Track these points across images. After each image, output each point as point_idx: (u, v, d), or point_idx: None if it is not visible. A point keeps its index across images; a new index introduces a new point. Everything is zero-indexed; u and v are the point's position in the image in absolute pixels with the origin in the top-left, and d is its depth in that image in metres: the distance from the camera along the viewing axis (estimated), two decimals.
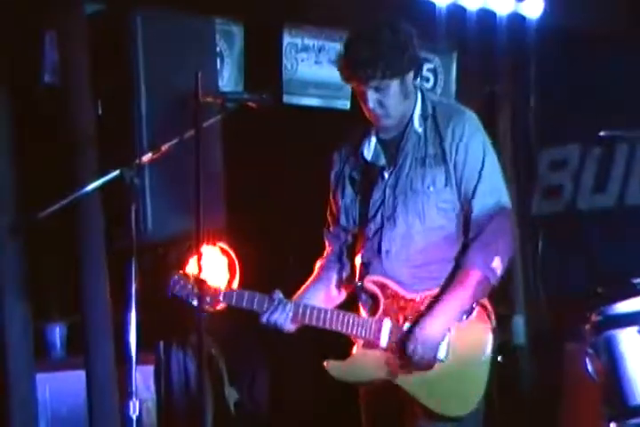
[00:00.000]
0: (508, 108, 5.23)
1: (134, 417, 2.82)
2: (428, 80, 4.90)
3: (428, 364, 2.83)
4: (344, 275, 3.00)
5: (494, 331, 2.88)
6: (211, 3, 3.89)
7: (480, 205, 2.87)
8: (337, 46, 4.68)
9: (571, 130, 4.98)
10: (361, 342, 2.88)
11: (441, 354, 2.83)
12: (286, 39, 4.45)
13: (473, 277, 2.83)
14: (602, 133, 3.85)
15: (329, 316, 2.86)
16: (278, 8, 4.34)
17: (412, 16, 4.43)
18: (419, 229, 2.88)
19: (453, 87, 4.95)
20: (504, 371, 5.01)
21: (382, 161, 2.94)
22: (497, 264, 2.84)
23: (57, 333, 4.09)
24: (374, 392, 2.93)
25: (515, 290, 5.21)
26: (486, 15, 4.60)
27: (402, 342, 2.84)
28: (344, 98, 4.71)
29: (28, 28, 3.76)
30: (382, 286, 2.88)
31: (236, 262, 3.78)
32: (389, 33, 2.84)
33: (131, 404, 2.82)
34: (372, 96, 2.86)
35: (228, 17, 4.25)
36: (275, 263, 3.26)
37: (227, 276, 3.74)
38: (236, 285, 3.70)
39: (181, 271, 2.91)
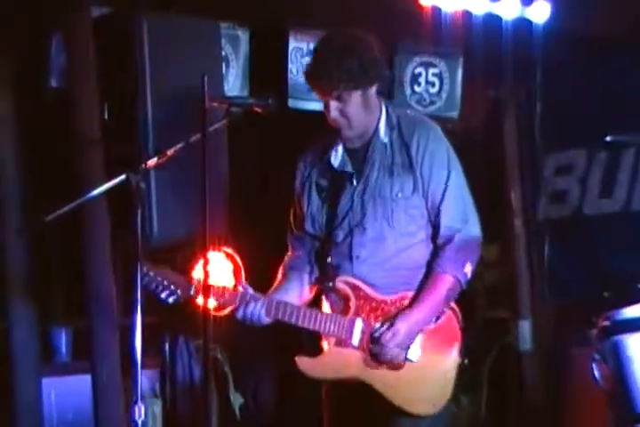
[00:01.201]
0: (513, 112, 5.22)
1: (140, 422, 2.82)
2: (433, 85, 4.90)
3: (399, 364, 2.91)
4: (313, 277, 3.05)
5: (462, 334, 2.97)
6: (216, 7, 3.90)
7: (448, 213, 2.95)
8: None
9: (577, 135, 4.97)
10: (332, 340, 2.94)
11: (411, 355, 2.92)
12: (292, 44, 4.46)
13: (445, 282, 2.93)
14: (608, 138, 3.85)
15: (302, 313, 2.92)
16: (284, 12, 4.34)
17: (418, 21, 4.45)
18: (388, 234, 2.95)
19: (459, 92, 4.95)
20: (510, 376, 5.02)
21: (349, 169, 3.01)
22: (468, 269, 2.95)
23: (62, 337, 4.09)
24: (341, 389, 2.97)
25: (521, 295, 5.20)
26: (492, 20, 4.60)
27: (373, 342, 2.92)
28: None
29: (34, 32, 3.78)
30: (354, 287, 2.95)
31: (242, 267, 3.78)
32: (356, 45, 2.91)
33: (136, 408, 2.82)
34: (333, 106, 2.92)
35: (234, 21, 4.26)
36: (277, 268, 3.26)
37: (232, 280, 3.74)
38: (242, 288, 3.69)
39: (149, 265, 2.89)
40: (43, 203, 3.20)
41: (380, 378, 2.91)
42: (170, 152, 2.95)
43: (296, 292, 3.04)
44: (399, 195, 2.95)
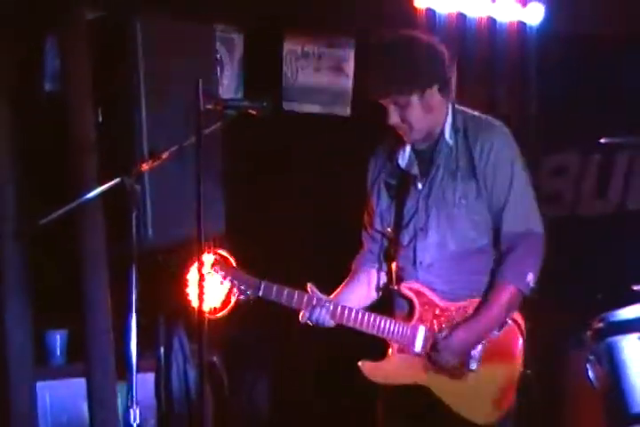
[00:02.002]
0: (507, 115, 5.22)
1: (135, 425, 2.82)
2: None
3: (460, 372, 2.93)
4: (382, 276, 3.08)
5: (524, 345, 2.98)
6: (211, 10, 3.90)
7: (511, 220, 2.94)
8: (337, 53, 4.72)
9: (571, 137, 4.97)
10: (396, 346, 2.97)
11: (472, 364, 2.93)
12: (286, 46, 4.46)
13: (507, 292, 2.93)
14: (602, 141, 3.86)
15: (366, 319, 2.96)
16: (278, 15, 4.34)
17: (412, 23, 4.45)
18: (451, 240, 2.95)
19: (453, 94, 4.94)
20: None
21: (415, 170, 3.01)
22: (530, 278, 2.96)
23: (57, 340, 4.08)
24: (401, 394, 3.00)
25: None
26: (487, 22, 4.60)
27: (433, 349, 2.93)
28: (344, 104, 4.72)
29: (29, 36, 3.77)
30: (418, 293, 2.97)
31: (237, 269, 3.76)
32: (408, 48, 2.91)
33: (131, 412, 2.81)
34: (392, 111, 2.93)
35: (228, 24, 4.26)
36: (275, 270, 3.26)
37: (227, 284, 3.73)
38: (236, 291, 3.69)
39: (221, 265, 2.99)
40: (38, 206, 3.19)
41: (440, 385, 2.92)
42: (164, 155, 2.95)
43: (362, 292, 3.08)
44: (462, 200, 2.94)
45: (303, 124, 4.53)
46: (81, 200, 2.98)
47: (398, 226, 3.00)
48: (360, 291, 3.08)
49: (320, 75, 4.63)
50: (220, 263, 2.99)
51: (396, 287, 2.99)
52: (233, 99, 4.02)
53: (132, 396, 2.82)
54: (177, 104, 3.29)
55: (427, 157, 3.00)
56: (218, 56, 4.00)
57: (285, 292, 2.96)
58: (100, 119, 3.46)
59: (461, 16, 4.55)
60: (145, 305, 2.94)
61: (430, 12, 4.51)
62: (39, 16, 3.70)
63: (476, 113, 3.09)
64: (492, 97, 5.17)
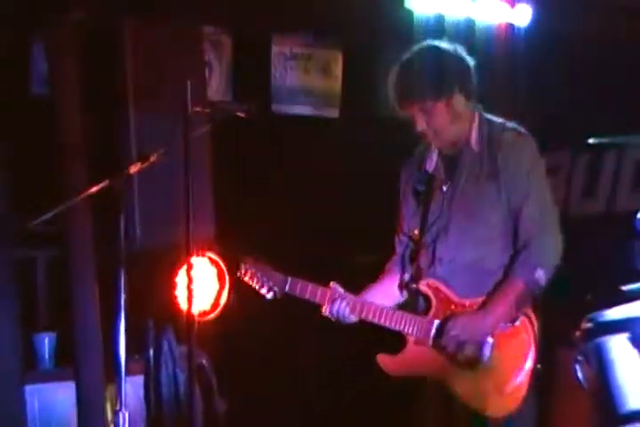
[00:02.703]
0: (496, 115, 5.23)
1: None
2: None
3: (471, 365, 3.01)
4: (405, 278, 3.17)
5: (536, 340, 3.05)
6: (199, 13, 3.89)
7: (526, 222, 3.04)
8: (325, 55, 4.72)
9: (560, 137, 4.98)
10: (412, 339, 3.06)
11: (484, 357, 3.01)
12: (274, 48, 4.45)
13: (514, 287, 3.01)
14: (591, 141, 3.86)
15: (384, 313, 3.05)
16: (266, 18, 4.34)
17: (399, 25, 4.46)
18: (469, 239, 3.06)
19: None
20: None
21: (442, 174, 3.13)
22: (540, 275, 3.03)
23: (46, 343, 4.06)
24: (428, 387, 3.11)
25: None
26: (473, 23, 4.61)
27: (440, 335, 3.03)
28: (333, 106, 4.72)
29: (15, 39, 3.75)
30: (435, 290, 3.07)
31: (226, 272, 3.77)
32: (434, 56, 3.04)
33: (120, 415, 2.81)
34: (419, 119, 3.04)
35: (217, 27, 4.25)
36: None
37: (216, 286, 3.74)
38: (225, 295, 3.69)
39: (250, 261, 3.06)
40: (26, 209, 3.18)
41: (452, 377, 3.01)
42: (153, 158, 2.94)
43: (387, 292, 3.17)
44: (484, 203, 3.04)
45: (292, 126, 4.53)
46: (69, 203, 2.97)
47: (423, 228, 3.13)
48: (384, 291, 3.18)
49: (308, 76, 4.63)
50: (251, 261, 3.07)
51: (414, 285, 3.10)
52: (221, 101, 4.02)
53: (121, 399, 2.81)
54: (165, 107, 3.28)
55: (453, 162, 3.12)
56: (206, 58, 4.00)
57: (309, 287, 3.05)
58: (89, 122, 3.46)
59: (449, 17, 4.55)
60: (134, 308, 2.93)
61: (416, 14, 4.50)
62: (26, 19, 3.68)
63: (500, 120, 3.20)
64: (482, 98, 5.18)
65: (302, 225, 4.50)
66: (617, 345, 3.22)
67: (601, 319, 3.30)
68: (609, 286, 3.57)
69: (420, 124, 3.04)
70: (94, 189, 2.91)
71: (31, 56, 3.80)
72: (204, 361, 3.94)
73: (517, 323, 3.03)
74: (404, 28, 4.37)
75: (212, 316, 3.63)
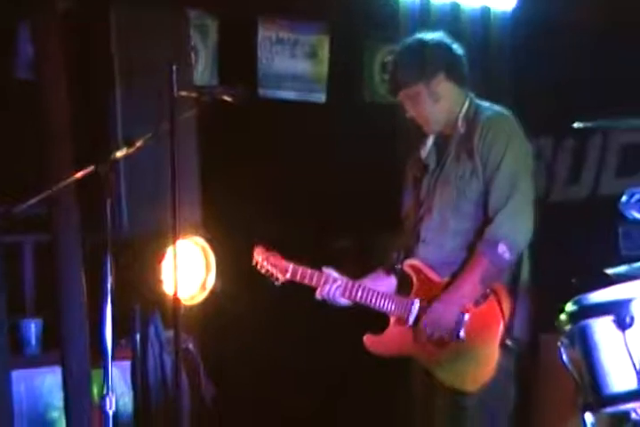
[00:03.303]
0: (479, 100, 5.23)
1: (111, 413, 2.81)
2: None
3: (443, 341, 3.11)
4: (394, 258, 3.28)
5: (504, 317, 3.13)
6: None
7: (495, 195, 3.12)
8: (311, 39, 4.71)
9: (543, 122, 4.99)
10: (393, 319, 3.18)
11: (456, 333, 3.11)
12: (261, 33, 4.44)
13: (479, 264, 3.10)
14: (575, 125, 3.88)
15: (370, 294, 3.16)
16: (252, 2, 4.32)
17: (383, 10, 4.45)
18: (450, 218, 3.15)
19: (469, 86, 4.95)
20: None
21: (432, 159, 3.24)
22: (503, 250, 3.08)
23: (32, 329, 4.05)
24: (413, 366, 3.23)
25: None
26: (457, 8, 4.60)
27: (420, 323, 3.14)
28: (319, 91, 4.71)
29: (0, 24, 3.72)
30: (416, 270, 3.18)
31: (212, 256, 3.77)
32: (416, 45, 3.19)
33: (107, 399, 2.81)
34: (407, 104, 3.19)
35: (202, 11, 4.23)
36: (251, 257, 3.27)
37: (203, 270, 3.73)
38: (211, 279, 3.69)
39: (260, 250, 3.20)
40: (11, 195, 3.17)
41: (426, 355, 3.13)
42: (139, 142, 2.93)
43: (380, 276, 3.27)
44: (460, 180, 3.13)
45: (278, 111, 4.52)
46: (55, 188, 2.96)
47: (415, 211, 3.24)
48: (381, 276, 3.28)
49: (295, 61, 4.62)
50: (262, 251, 3.21)
51: (399, 266, 3.21)
52: (208, 86, 4.00)
53: (108, 384, 2.81)
54: (151, 91, 3.27)
55: (444, 145, 3.21)
56: (192, 43, 3.98)
57: (308, 272, 3.18)
58: (74, 107, 3.44)
59: (433, 3, 4.54)
60: (120, 293, 2.93)
61: (405, 0, 4.48)
62: (11, 3, 3.65)
63: (488, 104, 3.29)
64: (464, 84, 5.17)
65: (289, 209, 4.50)
66: (602, 328, 3.24)
67: (586, 302, 3.32)
68: (594, 269, 3.60)
69: (409, 110, 3.17)
70: (80, 174, 2.90)
71: (17, 40, 3.77)
72: (190, 346, 3.94)
73: (486, 300, 3.11)
74: (390, 13, 4.37)
75: (198, 300, 3.63)
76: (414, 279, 3.18)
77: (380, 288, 3.22)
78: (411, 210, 3.27)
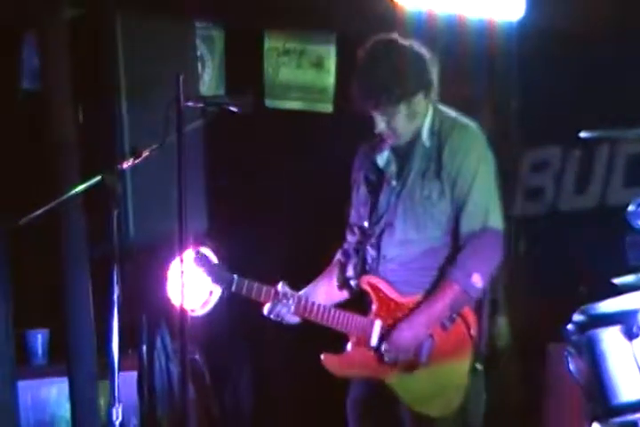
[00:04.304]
0: (488, 110, 5.24)
1: (117, 424, 2.81)
2: None
3: (410, 365, 3.00)
4: (349, 271, 3.15)
5: (473, 340, 3.05)
6: (191, 7, 3.88)
7: (467, 220, 3.02)
8: (318, 50, 4.72)
9: (551, 132, 4.99)
10: (354, 339, 3.04)
11: (423, 358, 3.00)
12: (267, 43, 4.45)
13: (451, 290, 2.99)
14: (582, 135, 3.87)
15: (327, 313, 3.02)
16: (258, 12, 4.33)
17: (393, 19, 4.45)
18: (414, 237, 3.03)
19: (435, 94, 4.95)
20: (486, 372, 5.06)
21: (392, 169, 3.09)
22: (477, 280, 3.00)
23: (39, 339, 4.05)
24: (363, 387, 3.09)
25: (497, 291, 5.23)
26: (467, 19, 4.61)
27: (384, 345, 3.01)
28: (326, 101, 4.72)
29: (5, 33, 3.74)
30: (375, 288, 3.04)
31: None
32: (393, 56, 2.96)
33: (114, 410, 2.81)
34: (379, 120, 3.00)
35: (209, 21, 4.24)
36: (258, 267, 3.27)
37: (209, 281, 3.73)
38: (218, 290, 3.69)
39: (201, 251, 3.04)
40: (18, 205, 3.17)
41: (393, 379, 3.00)
42: (146, 153, 2.94)
43: (332, 285, 3.14)
44: (427, 200, 3.01)
45: (285, 121, 4.52)
46: (62, 199, 2.97)
47: (371, 221, 3.09)
48: (330, 285, 3.15)
49: (302, 71, 4.63)
50: (200, 259, 3.02)
51: (355, 282, 3.08)
52: (214, 96, 4.01)
53: (115, 394, 2.81)
54: (158, 101, 3.27)
55: (403, 156, 3.07)
56: (198, 53, 3.99)
57: (255, 286, 3.01)
58: (81, 117, 3.45)
59: (441, 12, 4.55)
60: (127, 303, 2.93)
61: (410, 9, 4.50)
62: (17, 13, 3.67)
63: (453, 113, 3.14)
64: (473, 93, 5.18)
65: (295, 220, 4.50)
66: (609, 338, 3.23)
67: (593, 312, 3.31)
68: (601, 279, 3.58)
69: (379, 126, 2.99)
70: (86, 184, 2.90)
71: (22, 50, 3.78)
72: (197, 356, 3.94)
73: (454, 324, 3.01)
74: (396, 24, 4.37)
75: (204, 311, 3.63)
76: (373, 298, 3.03)
77: (330, 302, 3.08)
78: (363, 219, 3.11)
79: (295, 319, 3.04)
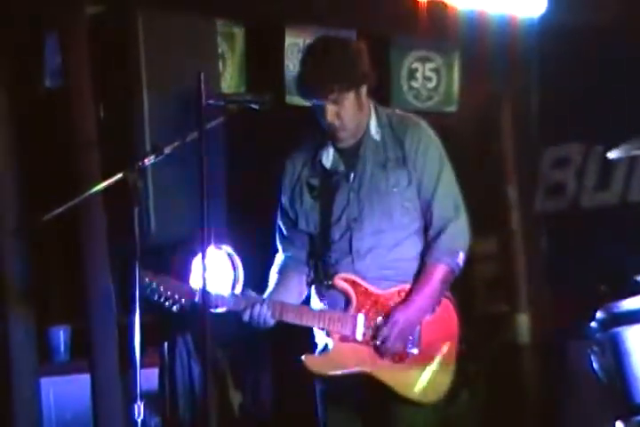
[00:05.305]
0: (510, 106, 5.21)
1: (139, 421, 2.82)
2: (430, 79, 4.89)
3: (402, 355, 3.00)
4: (308, 277, 3.11)
5: (460, 321, 3.06)
6: (212, 4, 3.88)
7: (440, 206, 3.06)
8: None
9: (573, 128, 4.96)
10: (337, 336, 3.01)
11: (411, 346, 3.02)
12: (288, 40, 4.44)
13: (440, 272, 3.03)
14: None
15: (305, 312, 3.01)
16: (279, 9, 4.32)
17: (413, 16, 4.43)
18: (386, 228, 3.04)
19: (456, 86, 4.94)
20: (507, 369, 5.04)
21: (342, 168, 3.09)
22: (461, 258, 3.05)
23: (61, 336, 4.08)
24: (338, 387, 3.05)
25: (518, 288, 5.20)
26: (488, 14, 4.58)
27: (375, 336, 3.00)
28: None
29: (30, 32, 3.76)
30: (353, 284, 3.02)
31: (240, 265, 3.77)
32: (340, 49, 3.01)
33: (135, 407, 2.82)
34: (330, 109, 3.00)
35: (229, 18, 4.24)
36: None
37: (231, 278, 3.73)
38: (239, 287, 3.69)
39: (150, 275, 2.91)
40: (40, 203, 3.19)
41: (385, 370, 2.99)
42: (167, 150, 2.94)
43: (296, 292, 3.11)
44: (395, 189, 3.04)
45: (306, 118, 4.51)
46: (83, 196, 2.97)
47: (326, 223, 3.06)
48: (293, 291, 3.09)
49: None
50: (151, 275, 2.91)
51: (329, 282, 3.03)
52: (235, 93, 4.01)
53: (136, 391, 2.82)
54: (179, 99, 3.28)
55: (352, 153, 3.08)
56: (219, 50, 3.99)
57: (220, 298, 2.96)
58: (102, 115, 3.46)
59: (464, 8, 4.52)
60: (149, 301, 2.93)
61: (431, 4, 4.48)
62: (40, 12, 3.68)
63: (396, 110, 3.20)
64: (494, 89, 5.16)
65: None
66: (633, 336, 3.22)
67: (616, 310, 3.30)
68: (624, 276, 3.56)
69: (330, 115, 2.98)
70: (108, 181, 2.91)
71: (44, 49, 3.80)
72: (217, 354, 3.94)
73: (439, 308, 3.03)
74: (416, 20, 4.35)
75: (225, 308, 3.63)
76: (352, 293, 3.00)
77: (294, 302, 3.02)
78: (313, 225, 3.06)
79: (272, 322, 2.98)
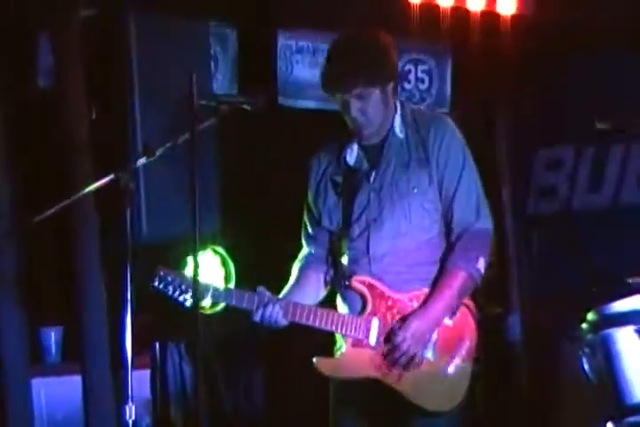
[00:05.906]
0: (502, 109, 5.23)
1: (130, 422, 2.82)
2: (423, 81, 4.90)
3: (416, 363, 2.91)
4: (328, 276, 3.05)
5: (478, 330, 2.98)
6: (204, 6, 3.88)
7: (461, 208, 2.98)
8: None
9: (565, 130, 4.97)
10: (350, 340, 2.94)
11: (427, 353, 2.93)
12: (281, 41, 4.44)
13: (459, 278, 2.93)
14: (598, 126, 3.81)
15: (318, 314, 2.92)
16: (272, 10, 4.33)
17: (406, 18, 4.45)
18: (405, 230, 2.97)
19: (449, 88, 4.95)
20: (499, 370, 5.05)
21: (365, 166, 3.03)
22: (481, 264, 2.96)
23: (52, 337, 4.07)
24: (351, 389, 2.98)
25: (510, 289, 5.22)
26: (482, 17, 4.60)
27: (389, 341, 2.92)
28: None
29: (22, 32, 3.76)
30: (370, 286, 2.95)
31: (232, 266, 3.78)
32: (369, 43, 2.96)
33: (127, 409, 2.81)
34: (354, 105, 2.94)
35: (222, 20, 4.24)
36: (271, 266, 3.25)
37: (222, 279, 3.74)
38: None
39: (164, 267, 2.89)
40: (31, 203, 3.18)
41: (397, 377, 2.91)
42: (159, 151, 2.94)
43: (313, 291, 3.05)
44: (415, 189, 2.96)
45: (298, 120, 4.52)
46: (76, 197, 2.98)
47: (347, 221, 3.01)
48: (310, 291, 3.05)
49: (315, 69, 4.62)
50: (166, 269, 2.89)
51: (346, 282, 2.98)
52: (227, 94, 4.02)
53: (128, 393, 2.82)
54: (171, 100, 3.28)
55: (376, 152, 3.03)
56: (212, 52, 3.99)
57: (234, 293, 2.92)
58: (94, 115, 3.46)
59: (457, 10, 4.54)
60: (140, 301, 2.93)
61: (424, 7, 4.49)
62: (32, 12, 3.68)
63: (422, 108, 3.18)
64: (487, 91, 5.17)
65: None
66: (624, 337, 3.22)
67: (607, 311, 3.30)
68: (615, 278, 3.57)
69: (354, 111, 2.93)
70: (100, 182, 2.91)
71: (37, 49, 3.80)
72: (209, 353, 3.94)
73: (458, 315, 2.95)
74: (404, 20, 4.36)
75: (217, 309, 3.64)
76: (368, 296, 2.93)
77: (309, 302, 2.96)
78: (337, 219, 3.01)
79: (284, 323, 2.92)
